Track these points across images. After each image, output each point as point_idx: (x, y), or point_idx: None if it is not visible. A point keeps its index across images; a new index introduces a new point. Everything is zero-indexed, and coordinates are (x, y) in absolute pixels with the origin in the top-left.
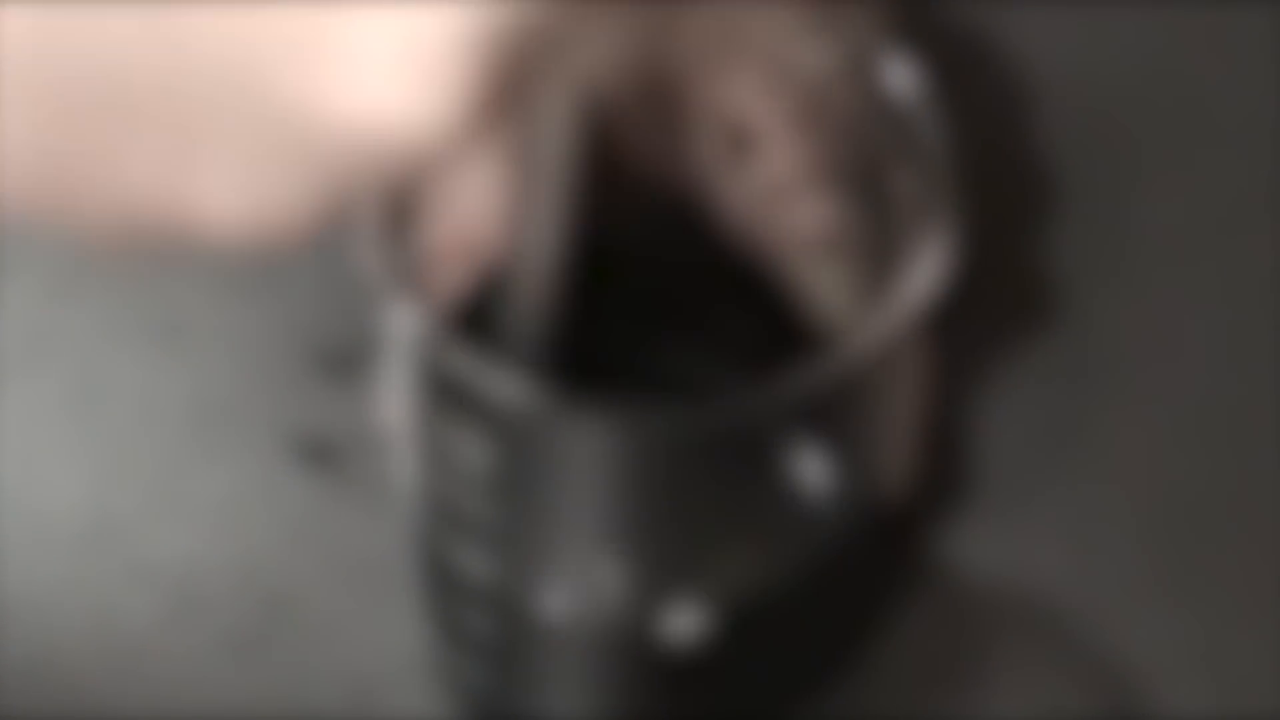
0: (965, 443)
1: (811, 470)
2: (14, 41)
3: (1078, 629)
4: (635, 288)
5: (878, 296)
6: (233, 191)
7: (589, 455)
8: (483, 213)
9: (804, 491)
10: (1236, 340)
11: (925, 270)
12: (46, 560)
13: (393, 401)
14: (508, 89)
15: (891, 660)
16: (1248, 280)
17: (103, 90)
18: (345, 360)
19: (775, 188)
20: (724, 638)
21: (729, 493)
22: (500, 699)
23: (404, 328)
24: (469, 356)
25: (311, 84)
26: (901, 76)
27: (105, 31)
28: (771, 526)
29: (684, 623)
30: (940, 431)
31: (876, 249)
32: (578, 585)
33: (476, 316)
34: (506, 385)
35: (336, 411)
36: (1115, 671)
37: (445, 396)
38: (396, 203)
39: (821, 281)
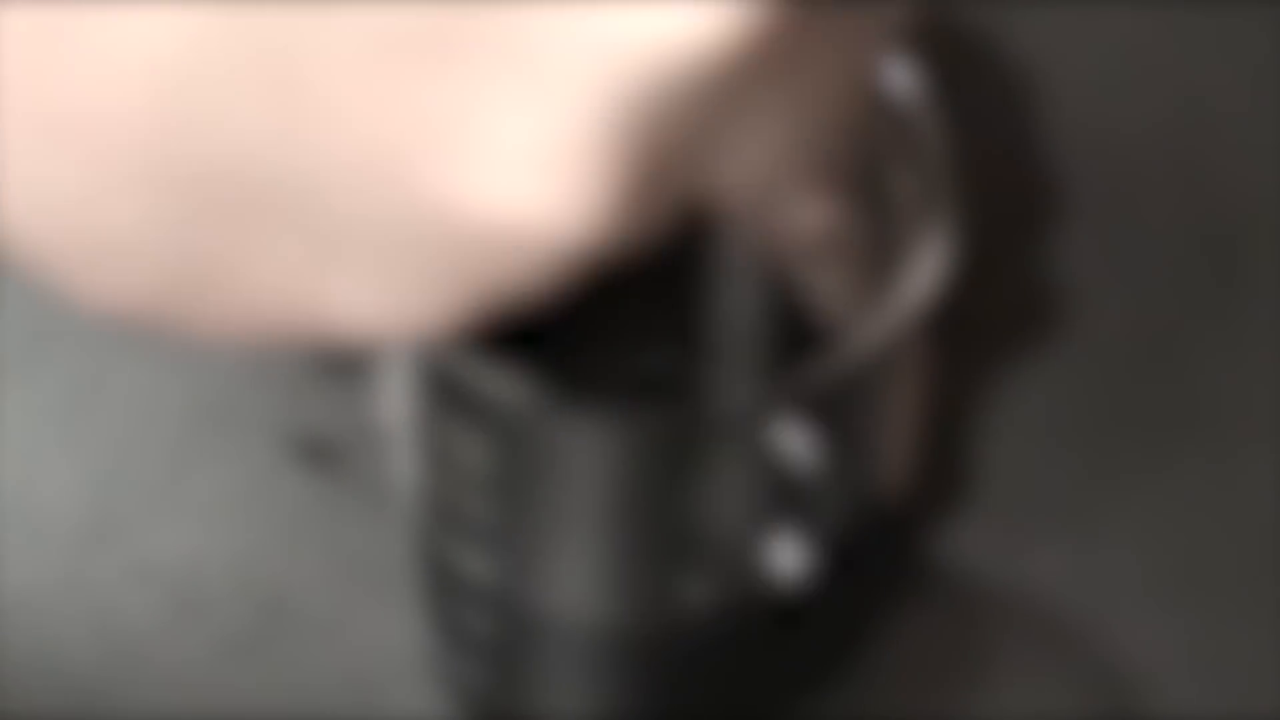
0: (967, 444)
1: (811, 470)
2: (141, 135)
3: (1079, 630)
4: (635, 288)
5: (878, 297)
6: (370, 294)
7: (589, 455)
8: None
9: (804, 492)
10: (1241, 341)
11: (926, 271)
12: (46, 560)
13: (392, 401)
14: (664, 176)
15: (892, 661)
16: (1252, 278)
17: (234, 189)
18: (345, 360)
19: (774, 187)
20: (725, 637)
21: (729, 492)
22: (499, 698)
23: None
24: (469, 357)
25: (451, 182)
26: (902, 76)
27: (237, 127)
28: (771, 526)
29: (684, 623)
30: (942, 433)
31: (877, 250)
32: (577, 585)
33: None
34: (506, 385)
35: (336, 411)
36: (1116, 673)
37: (445, 396)
38: None
39: (821, 282)
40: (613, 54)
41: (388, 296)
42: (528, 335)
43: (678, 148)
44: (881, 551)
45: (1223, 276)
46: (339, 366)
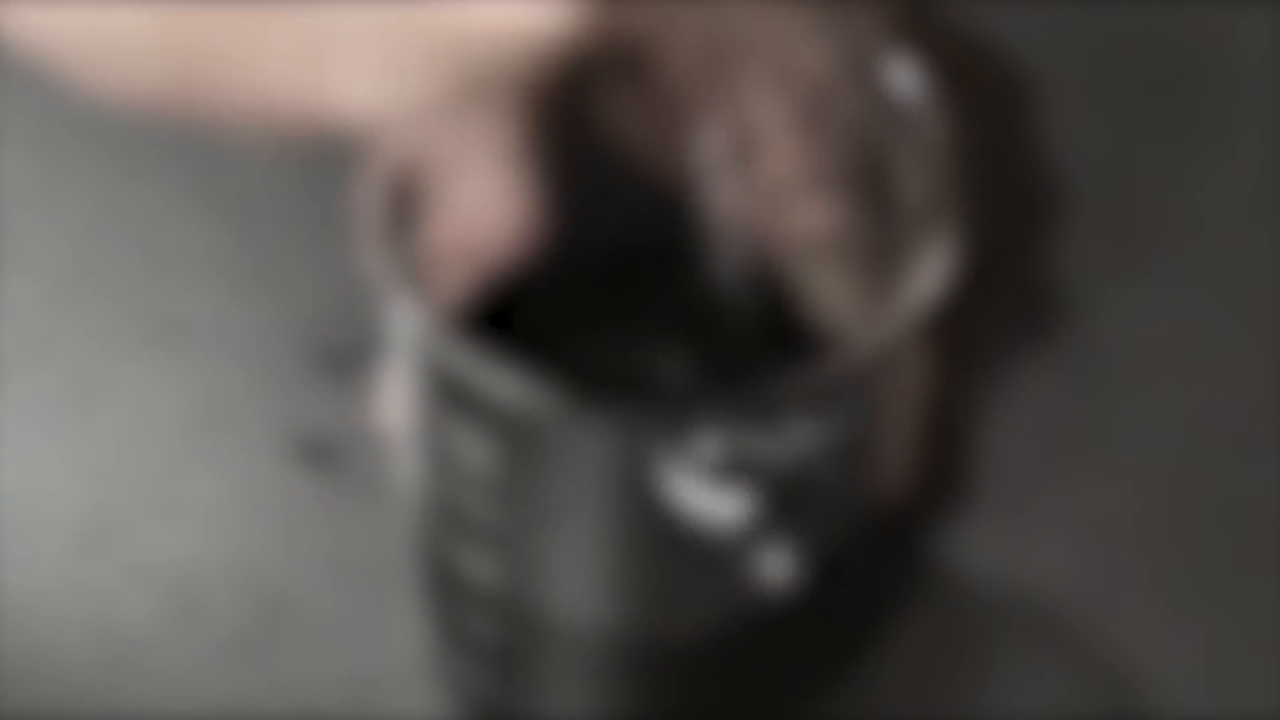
0: (969, 444)
1: (813, 469)
2: None
3: (1080, 630)
4: (634, 288)
5: (880, 298)
6: (365, 87)
7: (592, 456)
8: (486, 213)
9: (806, 491)
10: (1241, 342)
11: (928, 272)
12: (46, 560)
13: (394, 402)
14: None
15: (894, 661)
16: (1253, 281)
17: None
18: (345, 360)
19: (777, 189)
20: (726, 638)
21: (730, 493)
22: (502, 700)
23: (406, 328)
24: (472, 357)
25: None
26: (904, 77)
27: None
28: (773, 525)
29: (686, 624)
30: (945, 433)
31: (879, 251)
32: (580, 587)
33: (479, 317)
34: (509, 386)
35: (336, 411)
36: (1117, 673)
37: (448, 397)
38: (399, 202)
39: (824, 283)
40: None
41: (381, 86)
42: (530, 336)
43: None
44: (881, 551)
45: (1223, 278)
46: (339, 366)
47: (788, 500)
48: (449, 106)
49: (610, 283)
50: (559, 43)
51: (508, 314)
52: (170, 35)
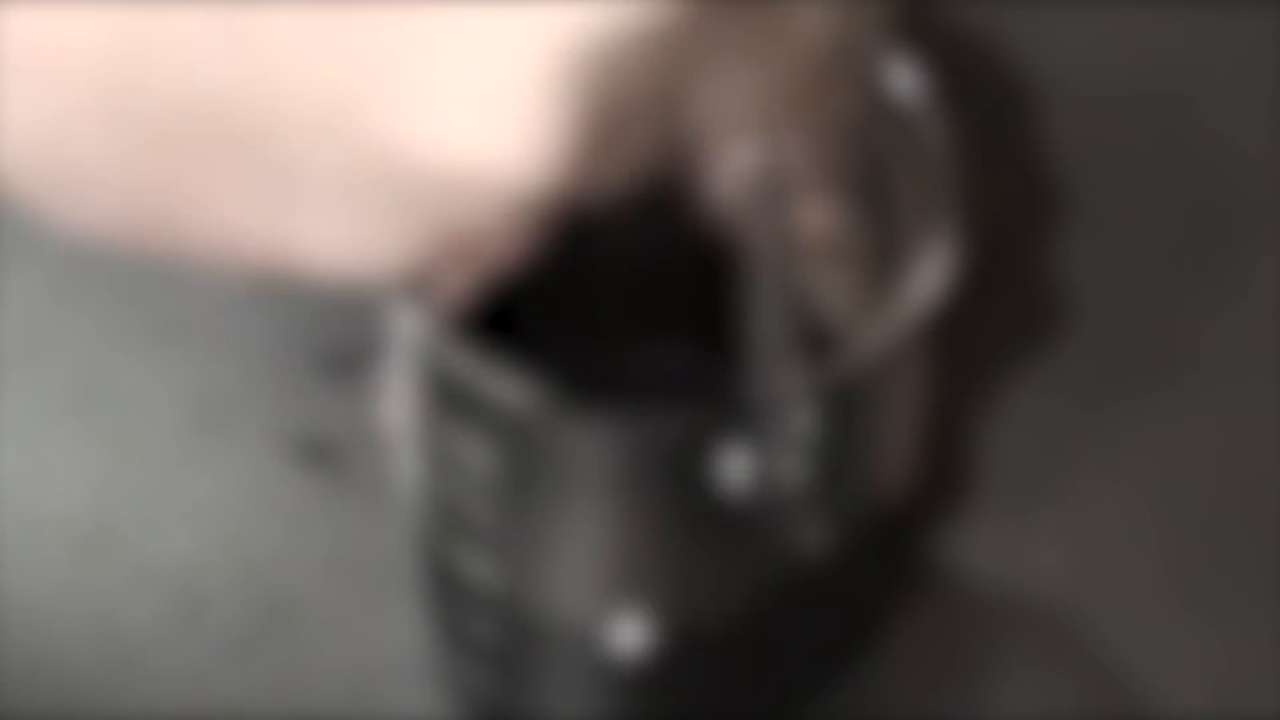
0: (970, 445)
1: (814, 471)
2: (99, 61)
3: (1079, 630)
4: (634, 289)
5: (881, 300)
6: (332, 231)
7: (592, 458)
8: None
9: (806, 493)
10: (1241, 342)
11: (928, 273)
12: (46, 561)
13: (395, 404)
14: (624, 124)
15: (894, 662)
16: (1253, 282)
17: (194, 119)
18: (345, 360)
19: (777, 190)
20: (725, 638)
21: (731, 494)
22: (501, 700)
23: (408, 330)
24: (473, 360)
25: (405, 124)
26: (905, 78)
27: (199, 65)
28: (773, 527)
29: (686, 624)
30: (945, 434)
31: (880, 252)
32: (581, 588)
33: (480, 319)
34: (510, 389)
35: (336, 411)
36: (1117, 673)
37: (448, 400)
38: None
39: (824, 284)
40: (567, 2)
41: (350, 236)
42: (530, 337)
43: (638, 97)
44: (881, 551)
45: (1223, 279)
46: (340, 366)
47: (788, 500)
48: (427, 265)
49: (610, 284)
50: (541, 189)
51: (509, 316)
52: (136, 170)
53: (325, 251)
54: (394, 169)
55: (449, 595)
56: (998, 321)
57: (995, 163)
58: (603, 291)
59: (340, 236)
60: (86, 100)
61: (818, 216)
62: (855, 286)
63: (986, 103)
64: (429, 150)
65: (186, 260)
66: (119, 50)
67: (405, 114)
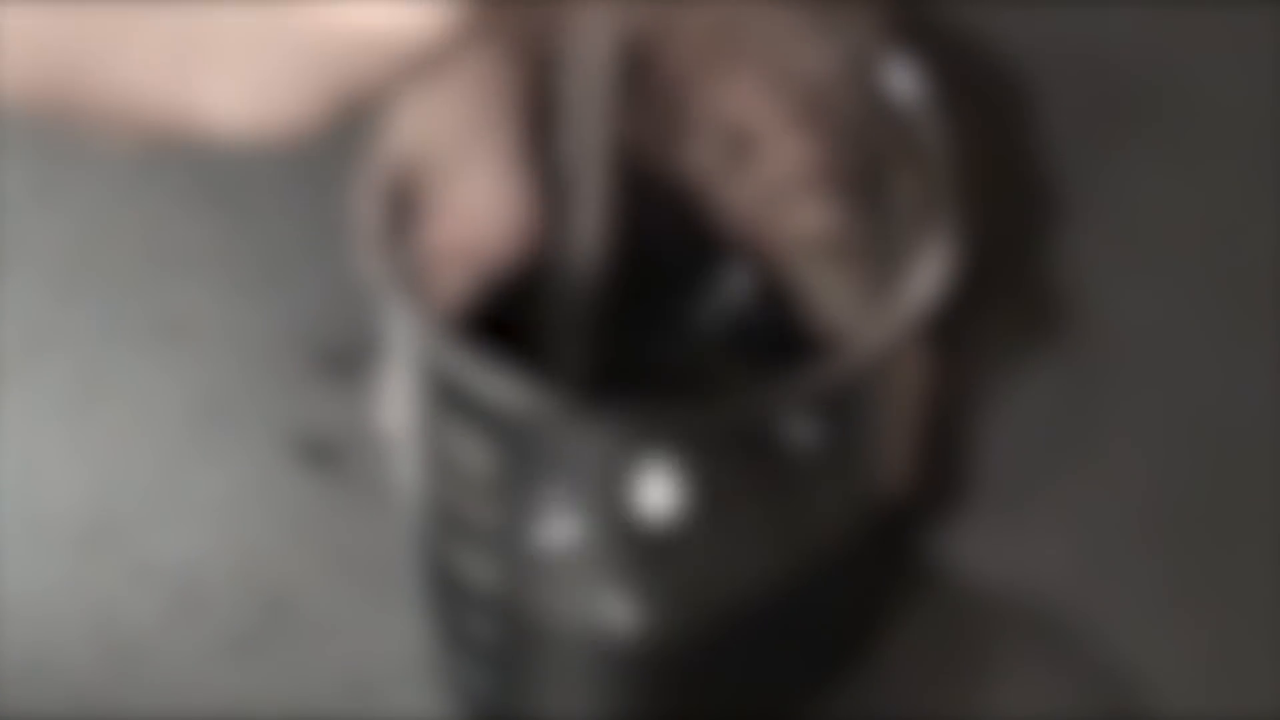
0: (969, 444)
1: (813, 472)
2: None
3: (1079, 631)
4: (634, 290)
5: (879, 299)
6: (234, 91)
7: (591, 459)
8: (486, 215)
9: (806, 493)
10: (1240, 342)
11: (927, 273)
12: (46, 560)
13: (394, 404)
14: None
15: (893, 662)
16: (1252, 281)
17: None
18: (345, 360)
19: (776, 190)
20: (726, 638)
21: (731, 494)
22: (501, 700)
23: (406, 330)
24: (471, 360)
25: None
26: (902, 78)
27: None
28: (773, 527)
29: (686, 624)
30: (944, 433)
31: (878, 252)
32: (580, 588)
33: (479, 320)
34: (508, 389)
35: (336, 411)
36: (1116, 673)
37: (447, 400)
38: (397, 204)
39: (822, 284)
40: None
41: (251, 91)
42: (529, 338)
43: None
44: (881, 551)
45: (1223, 279)
46: (340, 366)
47: (788, 501)
48: (323, 115)
49: (609, 284)
50: (429, 43)
51: (507, 315)
52: (37, 34)
53: (226, 111)
54: (294, 29)
55: (449, 595)
56: (997, 321)
57: (993, 162)
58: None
59: (241, 96)
60: None
61: (816, 217)
62: (853, 286)
63: (984, 103)
64: (328, 10)
65: (89, 121)
66: None
67: None
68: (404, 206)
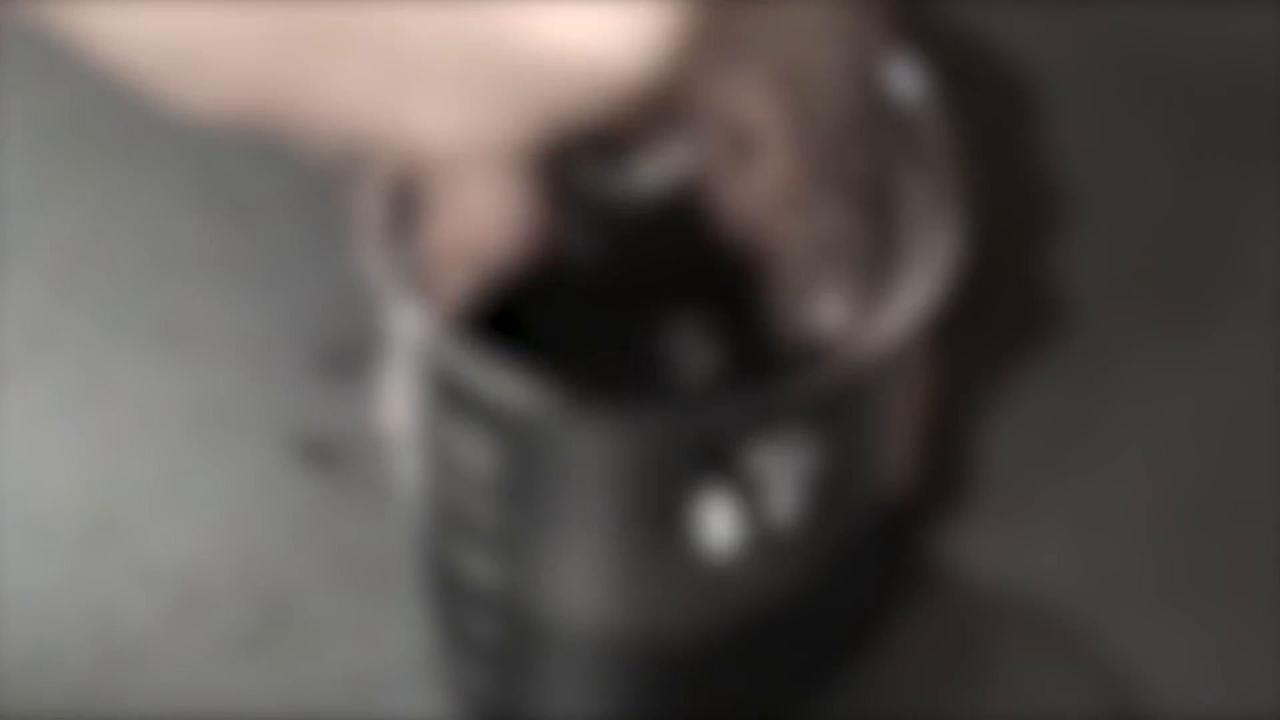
0: (970, 446)
1: (814, 473)
2: None
3: (1079, 631)
4: (634, 292)
5: (881, 301)
6: (444, 115)
7: (592, 458)
8: (488, 215)
9: (806, 494)
10: (1240, 343)
11: (929, 275)
12: (47, 560)
13: (395, 404)
14: (720, 21)
15: (894, 661)
16: (1252, 282)
17: (317, 9)
18: (345, 360)
19: (777, 190)
20: (726, 638)
21: (731, 495)
22: (502, 700)
23: (407, 330)
24: (472, 359)
25: (525, 14)
26: (905, 80)
27: None
28: (774, 528)
29: (687, 624)
30: (945, 435)
31: (880, 254)
32: (581, 587)
33: (480, 320)
34: (510, 388)
35: (336, 411)
36: (1116, 673)
37: (449, 399)
38: (399, 204)
39: (826, 286)
40: None
41: (460, 116)
42: (530, 338)
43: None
44: (881, 551)
45: (1221, 280)
46: (340, 366)
47: (788, 502)
48: (528, 137)
49: (609, 286)
50: (643, 71)
51: (508, 315)
52: (252, 50)
53: (432, 130)
54: (506, 53)
55: (449, 595)
56: (998, 322)
57: (995, 164)
58: (601, 294)
59: (447, 116)
60: None
61: (819, 219)
62: (855, 287)
63: (987, 105)
64: (542, 36)
65: (300, 139)
66: None
67: (524, 4)
68: (405, 206)
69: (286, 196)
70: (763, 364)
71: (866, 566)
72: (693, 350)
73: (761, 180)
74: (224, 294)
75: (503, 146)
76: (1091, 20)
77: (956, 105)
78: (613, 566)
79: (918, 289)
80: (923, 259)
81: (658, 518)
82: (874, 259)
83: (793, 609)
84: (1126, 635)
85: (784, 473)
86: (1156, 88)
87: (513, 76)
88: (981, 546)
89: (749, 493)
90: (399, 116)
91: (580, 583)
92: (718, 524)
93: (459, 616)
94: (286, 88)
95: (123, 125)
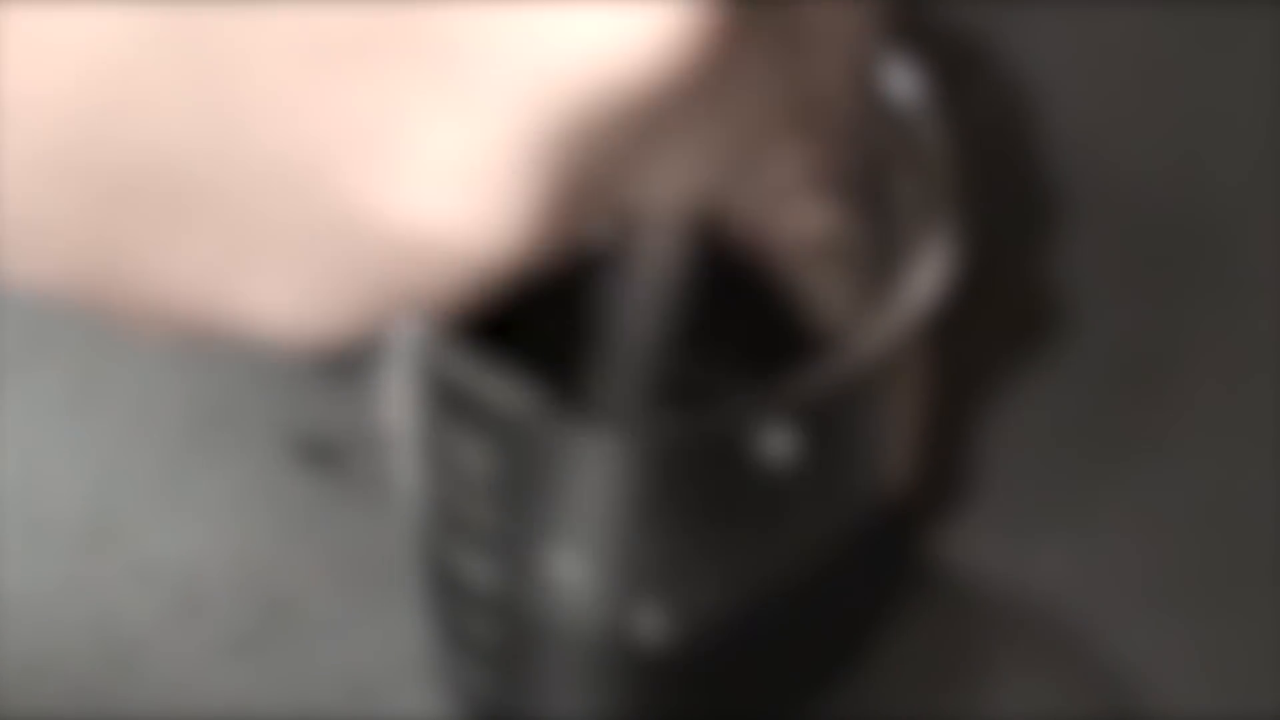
0: (968, 446)
1: (814, 474)
2: (66, 119)
3: (1079, 632)
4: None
5: (879, 301)
6: (282, 295)
7: (592, 461)
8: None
9: (806, 495)
10: (1241, 343)
11: (927, 275)
12: (46, 560)
13: (394, 405)
14: (588, 193)
15: (894, 662)
16: (1252, 282)
17: (155, 178)
18: (345, 360)
19: (776, 190)
20: (726, 639)
21: (732, 497)
22: (501, 700)
23: (408, 332)
24: (472, 363)
25: (373, 189)
26: (903, 80)
27: (163, 119)
28: (775, 529)
29: (687, 625)
30: (945, 435)
31: (878, 254)
32: (581, 590)
33: (479, 321)
34: (508, 392)
35: (336, 412)
36: (1116, 674)
37: (448, 402)
38: None
39: (822, 285)
40: (544, 70)
41: (300, 297)
42: (529, 342)
43: (604, 166)
44: (881, 551)
45: (1222, 280)
46: (340, 367)
47: (788, 502)
48: (368, 322)
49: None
50: (498, 253)
51: (507, 320)
52: (88, 225)
53: (271, 312)
54: (353, 231)
55: (449, 595)
56: (997, 322)
57: (993, 164)
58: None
59: (288, 297)
60: (43, 152)
61: (815, 218)
62: (853, 287)
63: (985, 104)
64: (391, 214)
65: (130, 318)
66: (82, 102)
67: (371, 177)
68: None
69: None
70: (762, 364)
71: (866, 566)
72: (692, 352)
73: (761, 180)
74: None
75: (345, 325)
76: (1091, 20)
77: (955, 105)
78: (611, 567)
79: (917, 289)
80: (922, 259)
81: (656, 519)
82: (873, 259)
83: (793, 609)
84: (1126, 636)
85: (783, 472)
86: (1154, 88)
87: (353, 254)
88: (981, 547)
89: (749, 492)
90: (235, 295)
91: (578, 583)
92: (716, 525)
93: (458, 617)
94: (120, 264)
95: None
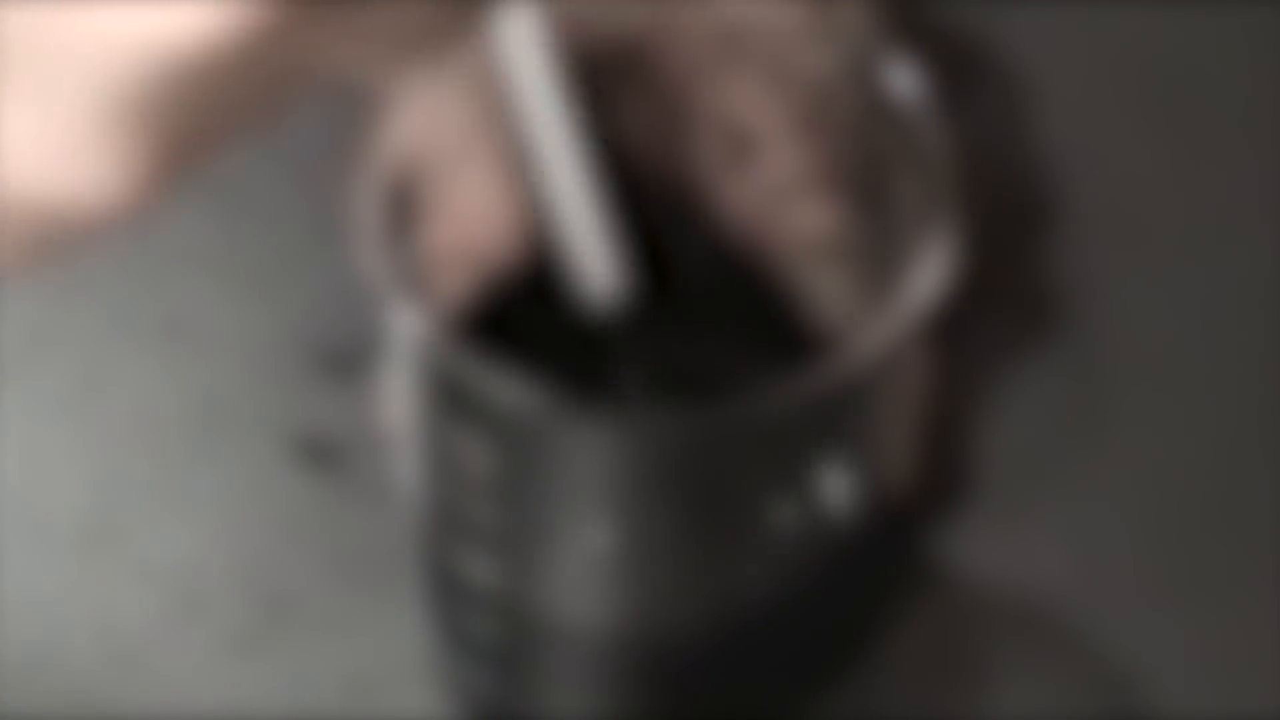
0: (969, 445)
1: (813, 473)
2: None
3: (1079, 631)
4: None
5: (879, 300)
6: (18, 121)
7: (592, 459)
8: (486, 215)
9: (806, 494)
10: (1239, 343)
11: (927, 274)
12: (47, 560)
13: (395, 405)
14: (189, 138)
15: (893, 661)
16: (1250, 282)
17: None
18: (345, 360)
19: (776, 191)
20: (726, 638)
21: (732, 496)
22: (502, 700)
23: (407, 331)
24: (473, 361)
25: None
26: (902, 79)
27: None
28: (774, 528)
29: (687, 624)
30: (945, 434)
31: (878, 253)
32: (581, 588)
33: (479, 320)
34: (509, 390)
35: (336, 411)
36: (1116, 673)
37: (449, 400)
38: (398, 204)
39: (822, 285)
40: (106, 55)
41: (34, 119)
42: (529, 339)
43: (200, 115)
44: (881, 551)
45: (1223, 279)
46: (340, 366)
47: (787, 502)
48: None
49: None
50: (103, 204)
51: (507, 315)
52: None
53: (23, 170)
54: (64, 46)
55: (449, 595)
56: (997, 321)
57: (993, 162)
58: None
59: (23, 125)
60: None
61: (816, 217)
62: (853, 287)
63: (984, 103)
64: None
65: None
66: None
67: None
68: (404, 206)
69: (286, 196)
70: (762, 364)
71: (866, 566)
72: (692, 350)
73: (761, 180)
74: (224, 294)
75: (119, 185)
76: (1091, 20)
77: (955, 105)
78: (611, 566)
79: (916, 288)
80: (921, 258)
81: (656, 518)
82: (872, 258)
83: (793, 608)
84: (1126, 635)
85: (783, 472)
86: (1154, 88)
87: (80, 73)
88: (981, 546)
89: (748, 492)
90: None
91: (579, 582)
92: (715, 524)
93: (459, 616)
94: None
95: None
